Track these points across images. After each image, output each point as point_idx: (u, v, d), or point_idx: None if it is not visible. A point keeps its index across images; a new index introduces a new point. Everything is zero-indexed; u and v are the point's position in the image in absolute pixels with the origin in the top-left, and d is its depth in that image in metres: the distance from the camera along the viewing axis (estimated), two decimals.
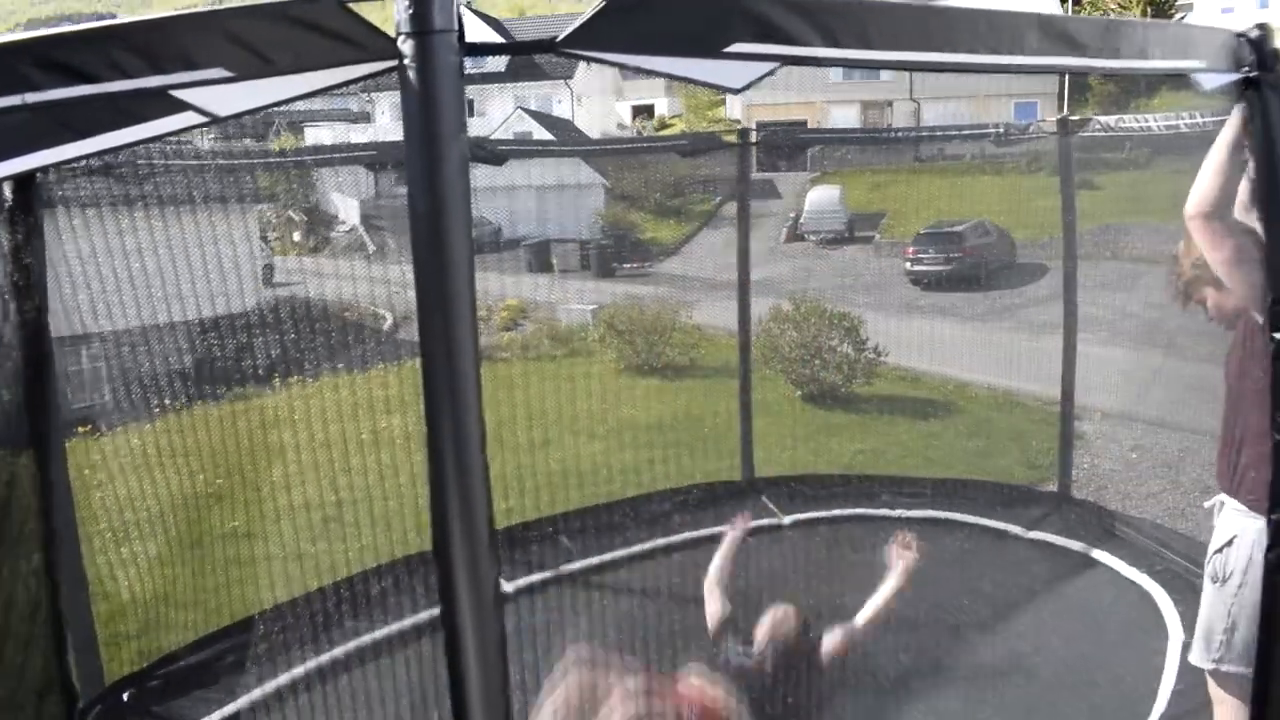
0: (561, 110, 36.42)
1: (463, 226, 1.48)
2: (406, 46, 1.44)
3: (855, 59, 1.72)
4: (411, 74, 1.44)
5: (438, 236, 1.47)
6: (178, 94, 1.47)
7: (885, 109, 33.01)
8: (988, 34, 1.84)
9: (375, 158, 5.84)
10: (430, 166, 1.46)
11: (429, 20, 1.42)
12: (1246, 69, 2.20)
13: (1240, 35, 2.20)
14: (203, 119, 1.58)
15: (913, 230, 16.82)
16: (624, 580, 4.96)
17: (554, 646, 3.75)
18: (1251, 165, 2.28)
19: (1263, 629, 2.37)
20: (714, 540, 5.36)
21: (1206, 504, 2.78)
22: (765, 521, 5.51)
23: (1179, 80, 2.28)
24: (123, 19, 1.47)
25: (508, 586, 4.59)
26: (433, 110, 1.45)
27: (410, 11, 1.42)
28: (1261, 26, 2.21)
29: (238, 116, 1.59)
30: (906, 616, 4.31)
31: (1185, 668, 3.66)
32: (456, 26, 1.44)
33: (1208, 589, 2.69)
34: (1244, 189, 2.39)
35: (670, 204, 23.37)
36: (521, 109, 31.37)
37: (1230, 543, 2.59)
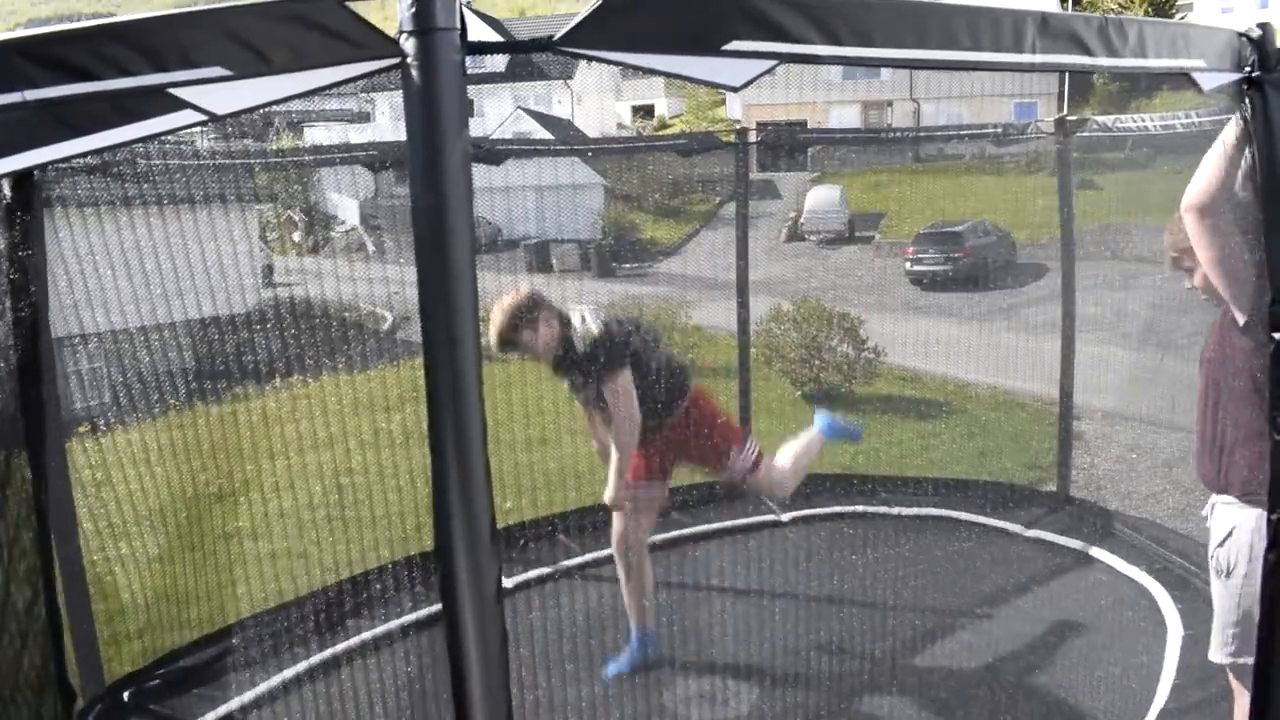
0: (561, 110, 36.40)
1: (465, 224, 1.48)
2: (409, 45, 1.44)
3: (855, 57, 1.71)
4: (414, 72, 1.44)
5: (440, 234, 1.47)
6: (176, 92, 1.46)
7: (885, 109, 33.00)
8: (988, 32, 1.83)
9: (375, 158, 5.82)
10: (432, 165, 1.46)
11: (432, 18, 1.42)
12: (1248, 68, 2.19)
13: (1242, 35, 2.18)
14: (201, 117, 1.58)
15: (913, 230, 16.84)
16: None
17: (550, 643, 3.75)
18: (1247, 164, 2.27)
19: (1263, 625, 2.36)
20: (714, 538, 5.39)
21: (1203, 511, 2.78)
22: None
23: (1178, 80, 2.26)
24: (122, 18, 1.47)
25: (506, 583, 4.59)
26: (435, 109, 1.45)
27: (413, 10, 1.42)
28: (1263, 25, 2.20)
29: (236, 115, 1.59)
30: (906, 615, 4.32)
31: (1184, 665, 3.66)
32: (459, 25, 1.44)
33: (1215, 585, 2.69)
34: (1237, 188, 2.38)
35: (670, 204, 23.36)
36: (521, 108, 31.36)
37: (1230, 534, 2.61)
